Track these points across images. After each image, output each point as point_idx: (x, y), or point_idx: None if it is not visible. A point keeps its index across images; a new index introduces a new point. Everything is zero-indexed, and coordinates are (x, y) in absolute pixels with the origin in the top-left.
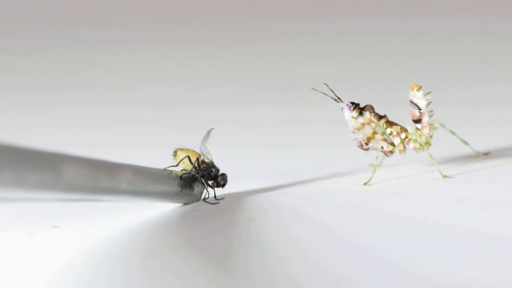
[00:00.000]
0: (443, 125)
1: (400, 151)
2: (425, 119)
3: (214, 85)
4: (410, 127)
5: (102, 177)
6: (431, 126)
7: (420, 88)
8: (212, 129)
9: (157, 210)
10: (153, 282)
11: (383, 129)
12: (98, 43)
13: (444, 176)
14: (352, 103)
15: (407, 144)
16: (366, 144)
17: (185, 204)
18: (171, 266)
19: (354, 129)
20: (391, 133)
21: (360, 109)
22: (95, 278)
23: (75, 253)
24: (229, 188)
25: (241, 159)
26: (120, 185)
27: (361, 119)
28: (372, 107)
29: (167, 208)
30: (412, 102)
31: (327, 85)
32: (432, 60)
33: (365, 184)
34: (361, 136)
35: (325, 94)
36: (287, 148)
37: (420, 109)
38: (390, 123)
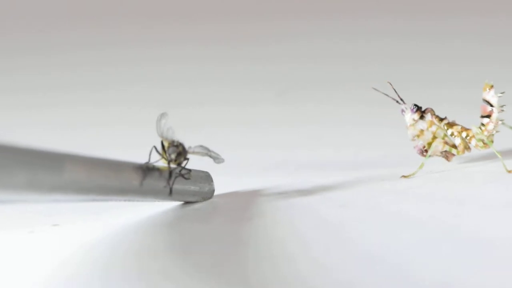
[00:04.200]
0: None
1: (458, 152)
2: (494, 115)
3: (214, 85)
4: (474, 126)
5: (113, 176)
6: (497, 124)
7: (492, 87)
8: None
9: (155, 209)
10: (150, 281)
11: (444, 131)
12: (98, 43)
13: (509, 171)
14: (415, 105)
15: (469, 142)
16: (427, 151)
17: (195, 202)
18: (169, 266)
19: (414, 137)
20: (452, 134)
21: (421, 112)
22: (94, 276)
23: (75, 251)
24: (229, 188)
25: (240, 159)
26: (131, 184)
27: (422, 122)
28: (432, 110)
29: (166, 207)
30: (484, 100)
31: (391, 84)
32: (432, 60)
33: (406, 176)
34: (421, 143)
35: (387, 95)
36: (287, 148)
37: (492, 106)
38: (451, 124)
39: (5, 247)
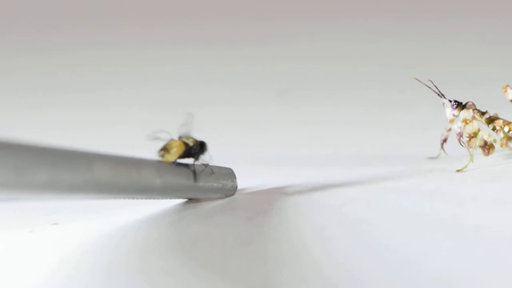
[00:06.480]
0: None
1: (501, 145)
2: None
3: (213, 85)
4: None
5: (136, 174)
6: None
7: None
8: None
9: (158, 207)
10: (151, 281)
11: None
12: (98, 43)
13: None
14: (456, 101)
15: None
16: (469, 140)
17: (219, 199)
18: (170, 265)
19: (458, 128)
20: (494, 128)
21: (462, 107)
22: (95, 275)
23: (75, 250)
24: None
25: (240, 159)
26: (155, 182)
27: (462, 116)
28: (473, 104)
29: (168, 205)
30: None
31: (432, 82)
32: (432, 60)
33: (459, 171)
34: (464, 136)
35: (428, 86)
36: (287, 148)
37: None
38: (492, 119)
39: (5, 246)
